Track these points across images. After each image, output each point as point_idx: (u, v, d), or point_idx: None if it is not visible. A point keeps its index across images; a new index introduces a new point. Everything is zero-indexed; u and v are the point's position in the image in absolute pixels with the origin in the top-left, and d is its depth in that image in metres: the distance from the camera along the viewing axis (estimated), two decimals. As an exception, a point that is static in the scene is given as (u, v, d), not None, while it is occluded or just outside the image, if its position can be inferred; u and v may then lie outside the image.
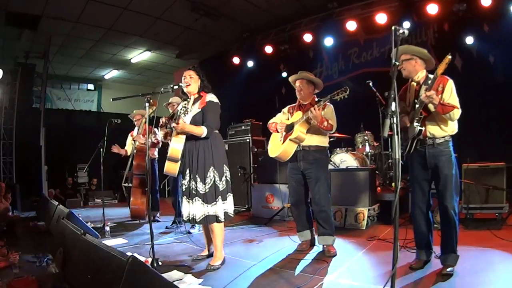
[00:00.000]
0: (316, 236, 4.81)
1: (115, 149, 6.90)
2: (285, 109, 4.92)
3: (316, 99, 4.63)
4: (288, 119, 4.76)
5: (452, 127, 3.51)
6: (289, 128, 4.58)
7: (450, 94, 3.40)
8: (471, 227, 5.12)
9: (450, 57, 3.16)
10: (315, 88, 4.74)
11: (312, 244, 4.83)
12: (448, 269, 3.37)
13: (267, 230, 6.07)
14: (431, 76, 3.51)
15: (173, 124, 3.96)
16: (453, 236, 3.42)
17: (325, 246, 4.52)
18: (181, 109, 4.18)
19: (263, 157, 7.57)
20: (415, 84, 3.67)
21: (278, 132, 4.77)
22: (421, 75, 3.62)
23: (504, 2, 6.84)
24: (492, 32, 7.13)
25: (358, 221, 5.84)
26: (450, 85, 3.44)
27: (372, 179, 6.25)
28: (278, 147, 4.66)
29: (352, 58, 9.54)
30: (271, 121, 4.94)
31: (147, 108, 4.05)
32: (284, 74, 10.45)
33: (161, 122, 4.49)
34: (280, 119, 4.88)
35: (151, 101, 4.13)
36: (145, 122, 6.83)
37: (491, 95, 6.99)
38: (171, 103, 6.39)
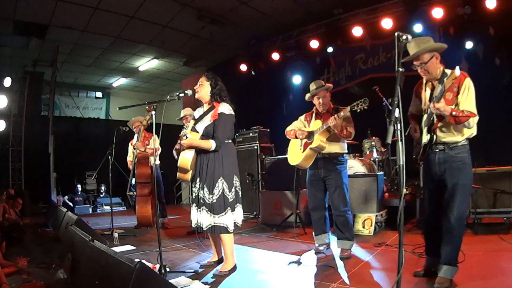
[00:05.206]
0: (332, 239, 4.92)
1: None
2: (302, 117, 5.01)
3: (333, 106, 4.72)
4: (305, 127, 4.85)
5: (468, 131, 3.22)
6: (309, 135, 4.67)
7: (467, 96, 3.11)
8: (479, 231, 5.09)
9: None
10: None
11: (328, 247, 4.91)
12: (438, 285, 3.15)
13: (275, 237, 6.06)
14: (447, 71, 3.19)
15: (181, 141, 3.96)
16: (453, 248, 3.18)
17: (342, 249, 4.62)
18: (189, 125, 4.13)
19: (271, 164, 7.60)
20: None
21: (297, 138, 4.84)
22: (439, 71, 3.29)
23: (509, 3, 6.77)
24: (498, 34, 7.10)
25: (365, 227, 5.84)
26: (467, 84, 3.13)
27: (380, 185, 6.23)
28: (299, 156, 4.76)
29: (359, 64, 9.54)
30: (288, 128, 5.01)
31: (153, 117, 3.93)
32: (297, 81, 10.50)
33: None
34: (297, 126, 4.96)
35: (157, 109, 4.02)
36: (144, 130, 6.90)
37: (498, 98, 6.94)
38: (184, 116, 6.43)
